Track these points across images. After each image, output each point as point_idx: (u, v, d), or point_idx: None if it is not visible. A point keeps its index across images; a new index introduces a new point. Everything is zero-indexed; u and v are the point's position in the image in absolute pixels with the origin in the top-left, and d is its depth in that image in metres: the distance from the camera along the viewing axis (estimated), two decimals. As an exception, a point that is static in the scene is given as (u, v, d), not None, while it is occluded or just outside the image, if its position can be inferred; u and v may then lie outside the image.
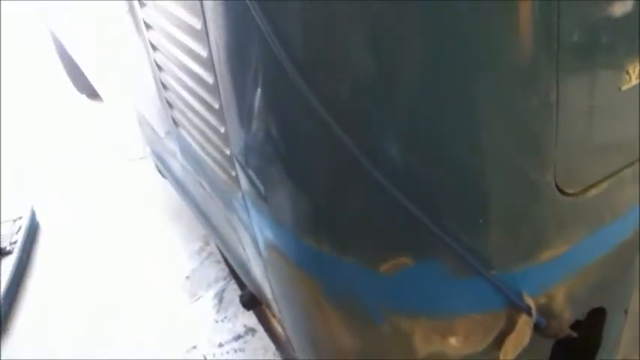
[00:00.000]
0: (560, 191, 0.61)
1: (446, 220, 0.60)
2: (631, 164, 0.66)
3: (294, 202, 0.69)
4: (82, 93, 2.95)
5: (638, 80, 0.59)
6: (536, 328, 0.66)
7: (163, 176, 1.61)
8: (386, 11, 0.52)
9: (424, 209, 0.59)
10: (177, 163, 1.29)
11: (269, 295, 1.03)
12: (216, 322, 1.76)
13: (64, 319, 1.80)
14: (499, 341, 0.68)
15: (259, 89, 0.67)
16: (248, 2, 0.58)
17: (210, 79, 0.78)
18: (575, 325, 0.74)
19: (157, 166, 1.61)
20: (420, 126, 0.57)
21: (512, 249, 0.63)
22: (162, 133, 1.30)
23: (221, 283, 1.86)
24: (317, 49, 0.57)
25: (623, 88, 0.58)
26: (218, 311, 1.78)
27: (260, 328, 1.67)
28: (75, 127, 2.81)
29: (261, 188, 0.75)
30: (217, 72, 0.75)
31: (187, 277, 1.90)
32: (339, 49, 0.56)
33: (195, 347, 1.70)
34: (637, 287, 0.80)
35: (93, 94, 2.71)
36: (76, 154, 2.60)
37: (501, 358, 0.68)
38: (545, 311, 0.68)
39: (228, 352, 1.67)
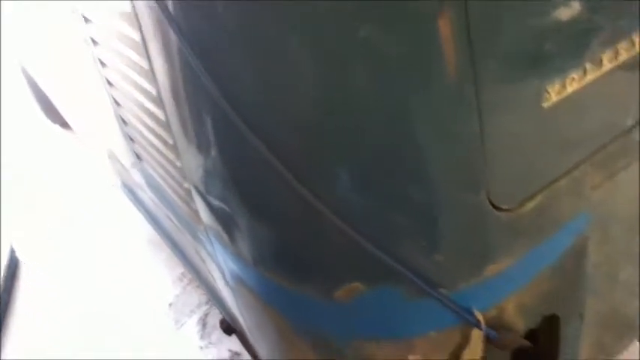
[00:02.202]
0: (496, 208, 0.63)
1: (393, 247, 0.61)
2: (564, 175, 0.68)
3: (251, 237, 0.70)
4: (54, 123, 2.95)
5: (559, 97, 0.61)
6: (489, 340, 0.68)
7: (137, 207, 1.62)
8: (330, 59, 0.54)
9: (371, 238, 0.61)
10: (147, 196, 1.30)
11: (242, 323, 1.04)
12: (201, 348, 1.75)
13: (49, 352, 1.79)
14: (456, 356, 0.70)
15: (206, 129, 0.68)
16: (187, 53, 0.60)
17: (162, 116, 0.80)
18: (529, 334, 0.76)
19: (129, 198, 1.61)
20: (363, 162, 0.59)
21: (457, 268, 0.65)
22: (128, 167, 1.31)
23: (204, 308, 1.85)
24: (259, 98, 0.59)
25: (545, 105, 0.61)
26: (202, 337, 1.78)
27: (245, 352, 1.67)
28: (50, 157, 2.80)
29: (222, 222, 0.77)
30: (167, 109, 0.77)
31: (170, 305, 1.89)
32: (283, 97, 0.58)
33: (180, 375, 1.70)
34: (591, 292, 0.82)
35: (65, 124, 2.71)
36: (53, 185, 2.59)
37: (459, 372, 0.69)
38: (497, 324, 0.70)
39: (213, 378, 1.67)
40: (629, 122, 0.73)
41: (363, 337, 0.69)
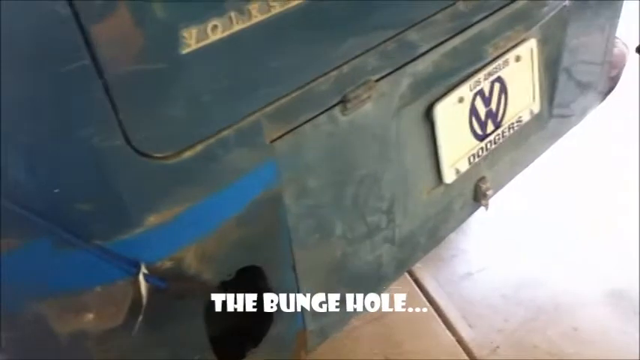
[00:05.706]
0: (144, 155, 0.62)
1: (25, 195, 0.59)
2: (228, 126, 0.69)
3: None
4: None
5: (200, 44, 0.62)
6: (161, 290, 0.68)
7: None
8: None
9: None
10: None
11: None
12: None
13: None
14: (137, 310, 0.69)
15: None
16: None
17: None
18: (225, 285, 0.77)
19: None
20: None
21: (110, 217, 0.63)
22: None
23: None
24: None
25: (184, 52, 0.61)
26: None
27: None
28: None
29: None
30: None
31: None
32: None
33: None
34: (300, 245, 0.85)
35: None
36: None
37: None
38: (176, 274, 0.70)
39: None
40: (308, 76, 0.76)
41: (29, 296, 0.66)
